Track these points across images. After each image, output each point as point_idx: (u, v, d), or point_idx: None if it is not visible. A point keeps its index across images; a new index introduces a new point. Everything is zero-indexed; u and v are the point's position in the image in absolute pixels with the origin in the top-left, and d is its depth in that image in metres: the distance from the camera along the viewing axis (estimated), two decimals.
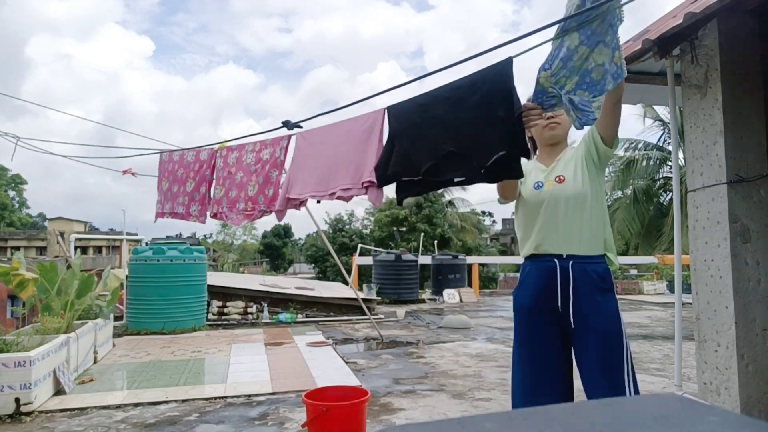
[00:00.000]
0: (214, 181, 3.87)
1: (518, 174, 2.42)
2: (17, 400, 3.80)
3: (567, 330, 2.16)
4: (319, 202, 3.24)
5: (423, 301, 13.30)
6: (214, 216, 3.86)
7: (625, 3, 2.03)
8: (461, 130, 2.64)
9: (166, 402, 4.17)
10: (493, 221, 57.88)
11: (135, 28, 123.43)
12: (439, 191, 24.71)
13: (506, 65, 2.59)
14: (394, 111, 2.96)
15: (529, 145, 2.42)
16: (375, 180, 2.87)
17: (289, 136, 3.53)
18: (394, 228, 25.13)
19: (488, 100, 2.57)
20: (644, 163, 16.90)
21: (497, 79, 2.59)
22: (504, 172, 2.50)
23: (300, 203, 3.39)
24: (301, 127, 3.59)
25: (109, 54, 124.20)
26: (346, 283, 10.40)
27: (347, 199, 3.06)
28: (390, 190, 3.01)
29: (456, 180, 2.71)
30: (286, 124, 3.59)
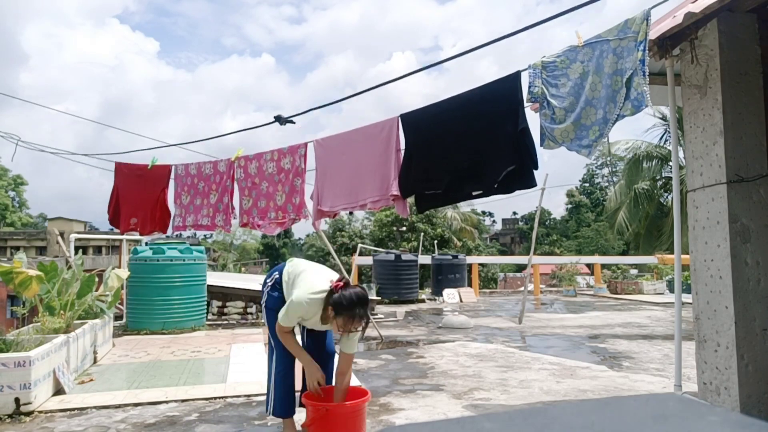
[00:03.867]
0: (237, 192, 3.92)
1: (531, 184, 2.55)
2: (17, 400, 3.80)
3: None
4: (351, 213, 3.36)
5: (423, 301, 13.30)
6: (244, 225, 3.91)
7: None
8: (474, 144, 2.72)
9: (166, 402, 4.17)
10: (493, 221, 58.01)
11: (138, 19, 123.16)
12: None
13: (514, 79, 2.64)
14: (407, 120, 3.02)
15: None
16: (400, 194, 2.97)
17: (306, 144, 3.61)
18: (394, 228, 25.13)
19: (497, 113, 2.63)
20: (645, 163, 16.91)
21: (505, 92, 2.63)
22: (517, 184, 2.59)
23: (334, 214, 3.54)
24: (293, 122, 3.66)
25: (111, 45, 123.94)
26: None
27: (377, 209, 3.18)
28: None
29: (474, 194, 2.82)
30: (278, 119, 3.64)
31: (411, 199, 3.13)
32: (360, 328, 2.79)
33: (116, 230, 5.30)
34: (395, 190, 3.01)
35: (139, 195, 4.10)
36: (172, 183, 4.59)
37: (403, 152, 3.08)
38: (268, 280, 3.22)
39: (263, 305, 3.20)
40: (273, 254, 48.32)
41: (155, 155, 4.30)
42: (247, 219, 3.86)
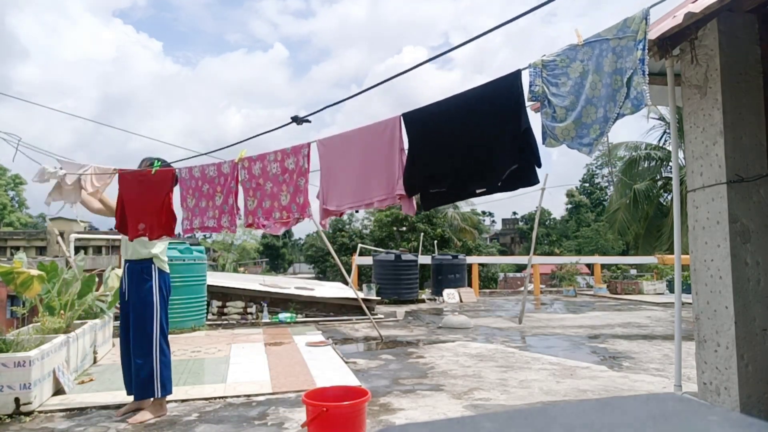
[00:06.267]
0: (241, 192, 3.96)
1: (534, 182, 2.58)
2: (17, 400, 3.80)
3: None
4: (357, 212, 3.37)
5: (423, 301, 13.30)
6: (249, 226, 3.95)
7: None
8: (476, 143, 2.74)
9: (166, 402, 4.16)
10: (493, 221, 57.95)
11: (140, 15, 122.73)
12: None
13: (515, 78, 2.64)
14: (410, 120, 3.03)
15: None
16: (405, 192, 2.99)
17: (309, 144, 3.62)
18: (394, 228, 25.12)
19: (499, 112, 2.65)
20: (645, 164, 16.92)
21: (506, 91, 2.64)
22: (520, 182, 2.61)
23: (340, 213, 3.57)
24: (309, 121, 3.67)
25: (112, 41, 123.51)
26: (346, 283, 10.40)
27: (384, 207, 3.20)
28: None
29: (477, 192, 2.83)
30: (295, 119, 3.66)
31: (417, 197, 3.15)
32: None
33: (116, 230, 5.30)
34: (400, 189, 3.03)
35: (144, 201, 4.12)
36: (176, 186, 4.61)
37: (406, 151, 3.09)
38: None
39: (156, 304, 4.20)
40: (273, 254, 48.34)
41: (158, 158, 4.29)
42: (252, 219, 3.89)
